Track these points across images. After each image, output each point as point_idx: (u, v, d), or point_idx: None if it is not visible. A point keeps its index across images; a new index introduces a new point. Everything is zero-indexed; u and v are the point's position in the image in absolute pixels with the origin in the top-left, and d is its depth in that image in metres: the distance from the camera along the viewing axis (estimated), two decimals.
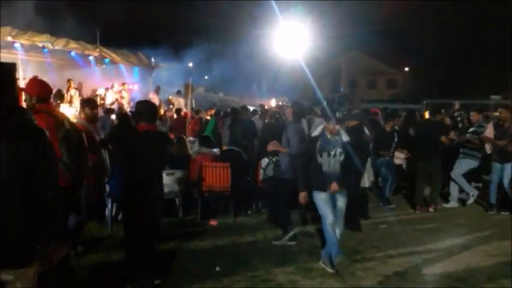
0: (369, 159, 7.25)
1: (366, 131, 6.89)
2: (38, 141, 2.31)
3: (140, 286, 4.29)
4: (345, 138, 5.15)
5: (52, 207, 2.38)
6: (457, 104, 13.46)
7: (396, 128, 8.94)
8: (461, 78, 33.50)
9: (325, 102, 12.16)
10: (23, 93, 4.07)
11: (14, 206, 2.22)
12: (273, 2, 16.01)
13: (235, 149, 7.79)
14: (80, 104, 8.01)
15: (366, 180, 7.21)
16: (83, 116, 5.92)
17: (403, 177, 9.23)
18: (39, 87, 4.14)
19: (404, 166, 9.16)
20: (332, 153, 5.04)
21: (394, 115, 9.28)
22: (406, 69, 42.85)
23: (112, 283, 4.59)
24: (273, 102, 20.19)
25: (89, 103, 6.01)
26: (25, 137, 2.26)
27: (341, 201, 5.15)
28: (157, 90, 16.45)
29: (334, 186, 5.00)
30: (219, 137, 9.25)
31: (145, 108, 4.54)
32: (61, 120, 4.05)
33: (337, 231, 5.04)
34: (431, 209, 7.89)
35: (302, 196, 5.15)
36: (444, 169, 8.30)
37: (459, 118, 11.06)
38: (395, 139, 8.40)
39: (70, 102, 13.30)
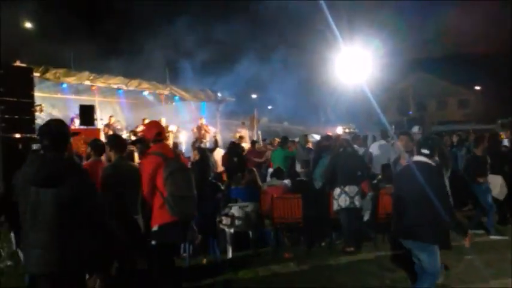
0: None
1: None
2: None
3: None
4: None
5: None
6: None
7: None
8: None
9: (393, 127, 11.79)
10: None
11: None
12: (335, 28, 16.04)
13: (305, 180, 7.69)
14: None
15: None
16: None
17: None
18: (147, 130, 4.62)
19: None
20: None
21: (482, 137, 8.28)
22: (478, 88, 40.62)
23: None
24: (339, 130, 19.89)
25: None
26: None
27: None
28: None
29: None
30: (293, 168, 8.95)
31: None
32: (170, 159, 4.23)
33: None
34: None
35: None
36: None
37: None
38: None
39: None
